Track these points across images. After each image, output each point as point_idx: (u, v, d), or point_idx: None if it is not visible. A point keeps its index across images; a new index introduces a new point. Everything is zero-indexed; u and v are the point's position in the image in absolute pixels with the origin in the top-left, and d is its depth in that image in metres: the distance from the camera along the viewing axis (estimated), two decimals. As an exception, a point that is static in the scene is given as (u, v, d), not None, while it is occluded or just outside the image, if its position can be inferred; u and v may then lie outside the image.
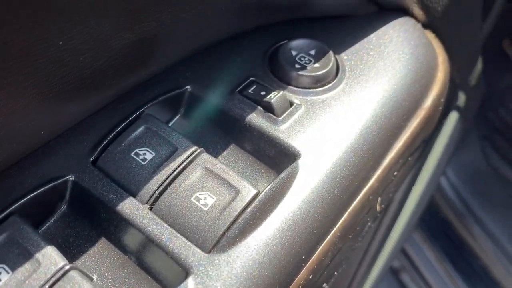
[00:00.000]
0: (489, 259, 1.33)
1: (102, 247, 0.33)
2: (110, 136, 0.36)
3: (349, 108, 0.40)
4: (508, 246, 1.31)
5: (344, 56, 0.43)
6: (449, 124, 0.82)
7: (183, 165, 0.34)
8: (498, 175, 1.49)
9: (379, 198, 0.45)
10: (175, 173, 0.34)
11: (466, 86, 0.78)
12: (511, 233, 1.34)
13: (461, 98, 0.80)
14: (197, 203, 0.33)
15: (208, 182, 0.34)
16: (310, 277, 0.36)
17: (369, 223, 0.46)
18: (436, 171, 0.91)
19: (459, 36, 0.60)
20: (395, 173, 0.45)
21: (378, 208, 0.46)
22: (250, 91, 0.39)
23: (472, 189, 1.40)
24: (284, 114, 0.38)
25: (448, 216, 1.41)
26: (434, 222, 1.43)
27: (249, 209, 0.33)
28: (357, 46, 0.44)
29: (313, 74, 0.40)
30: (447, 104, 0.55)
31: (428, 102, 0.46)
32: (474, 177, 1.43)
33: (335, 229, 0.37)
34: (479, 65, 0.81)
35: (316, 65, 0.41)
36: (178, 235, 0.32)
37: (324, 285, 0.42)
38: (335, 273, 0.44)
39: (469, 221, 1.37)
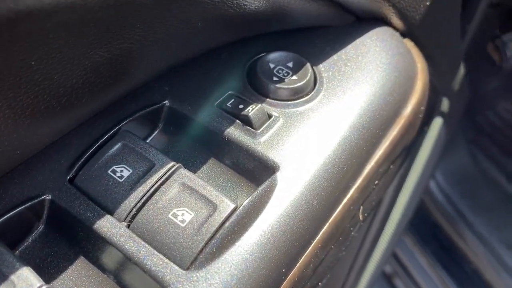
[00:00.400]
0: (480, 262, 1.33)
1: (80, 266, 0.33)
2: (87, 154, 0.36)
3: (327, 120, 0.40)
4: (498, 249, 1.32)
5: (322, 67, 0.43)
6: (434, 129, 0.83)
7: (160, 181, 0.34)
8: (486, 177, 1.50)
9: (361, 207, 0.45)
10: (152, 189, 0.34)
11: (449, 91, 0.79)
12: (501, 235, 1.34)
13: (445, 104, 0.81)
14: (174, 219, 0.33)
15: (185, 198, 0.33)
16: (292, 290, 0.36)
17: (352, 233, 0.46)
18: (423, 176, 0.92)
19: (438, 43, 0.60)
20: (376, 182, 0.45)
21: (361, 217, 0.47)
22: (228, 104, 0.39)
23: (461, 192, 1.41)
24: (263, 127, 0.38)
25: (438, 219, 1.42)
26: (424, 226, 1.44)
27: (227, 224, 0.33)
28: (334, 57, 0.44)
29: (291, 86, 0.40)
30: (428, 111, 0.55)
31: (408, 110, 0.47)
32: (463, 180, 1.44)
33: (315, 240, 0.37)
34: (461, 70, 0.82)
35: (294, 77, 0.41)
36: (156, 252, 0.32)
37: None
38: (319, 283, 0.44)
39: (459, 225, 1.37)
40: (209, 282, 0.31)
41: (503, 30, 1.50)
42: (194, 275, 0.31)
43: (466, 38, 0.95)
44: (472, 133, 1.56)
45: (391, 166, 0.49)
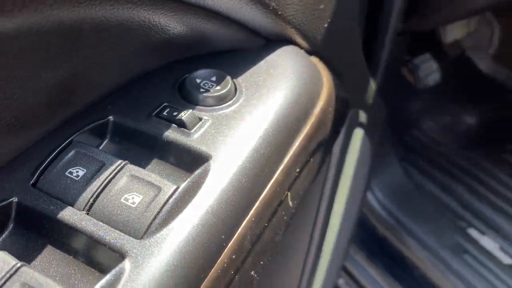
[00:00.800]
0: (426, 267, 1.43)
1: (49, 253, 0.39)
2: (46, 162, 0.42)
3: (248, 118, 0.49)
4: (441, 252, 1.42)
5: (240, 79, 0.53)
6: (357, 139, 0.94)
7: (111, 176, 0.41)
8: (421, 190, 1.63)
9: (289, 194, 0.54)
10: (105, 182, 0.41)
11: (363, 104, 0.91)
12: (442, 240, 1.45)
13: (362, 116, 0.92)
14: (126, 202, 0.40)
15: (134, 185, 0.41)
16: (234, 257, 0.43)
17: (285, 217, 0.54)
18: (355, 183, 1.01)
19: (341, 61, 0.72)
20: (297, 170, 0.54)
21: (290, 203, 0.55)
22: (164, 113, 0.47)
23: (401, 205, 1.52)
24: (195, 127, 0.46)
25: (383, 232, 1.51)
26: (372, 241, 1.52)
27: (170, 201, 0.40)
28: (250, 71, 0.54)
29: (215, 94, 0.49)
30: (339, 114, 0.66)
31: (317, 110, 0.57)
32: (400, 195, 1.55)
33: (249, 215, 0.45)
34: (372, 87, 0.94)
35: (217, 87, 0.50)
36: (113, 229, 0.38)
37: (253, 272, 0.49)
38: (261, 262, 0.51)
39: (402, 235, 1.47)
40: (159, 246, 0.37)
41: (413, 54, 1.69)
42: (147, 242, 0.38)
43: (380, 64, 1.09)
44: (403, 151, 1.70)
45: (311, 159, 0.58)
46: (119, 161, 0.43)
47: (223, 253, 0.42)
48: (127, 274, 0.36)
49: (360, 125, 0.93)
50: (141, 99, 0.49)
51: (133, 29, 0.42)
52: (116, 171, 0.42)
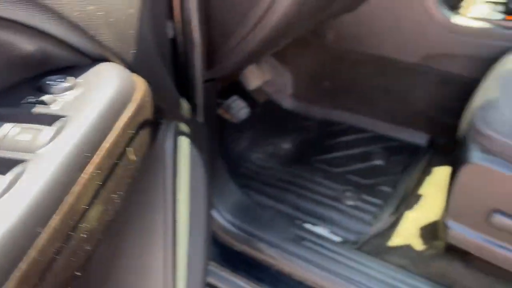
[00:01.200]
0: (279, 262, 1.75)
1: None
2: None
3: (89, 97, 0.78)
4: (286, 246, 1.76)
5: (79, 79, 0.82)
6: (184, 146, 1.25)
7: (10, 128, 0.67)
8: (261, 205, 1.99)
9: (130, 149, 0.83)
10: (6, 132, 0.67)
11: (180, 117, 1.24)
12: (284, 237, 1.80)
13: (183, 127, 1.25)
14: (22, 139, 0.66)
15: (24, 130, 0.67)
16: (99, 171, 0.70)
17: (129, 166, 0.83)
18: (194, 196, 1.27)
19: (152, 82, 1.04)
20: (132, 131, 0.83)
21: (131, 156, 0.84)
22: (30, 100, 0.75)
23: (247, 220, 1.84)
24: (52, 104, 0.74)
25: (239, 246, 1.81)
26: (232, 257, 1.80)
27: (48, 137, 0.67)
28: (85, 75, 0.84)
29: (63, 86, 0.78)
30: (155, 107, 0.97)
31: (136, 99, 0.88)
32: (244, 211, 1.88)
33: (102, 149, 0.73)
34: (185, 106, 1.28)
35: (64, 83, 0.79)
36: (18, 151, 0.64)
37: (115, 196, 0.76)
38: (119, 191, 0.78)
39: (254, 243, 1.78)
40: (50, 152, 0.64)
41: (224, 97, 2.14)
42: (39, 152, 0.64)
43: (198, 107, 1.44)
44: (242, 181, 2.07)
45: (141, 131, 0.88)
46: (10, 124, 0.69)
47: (88, 166, 0.69)
48: (31, 165, 0.62)
49: (185, 134, 1.25)
50: (14, 99, 0.76)
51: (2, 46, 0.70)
52: (12, 127, 0.68)
